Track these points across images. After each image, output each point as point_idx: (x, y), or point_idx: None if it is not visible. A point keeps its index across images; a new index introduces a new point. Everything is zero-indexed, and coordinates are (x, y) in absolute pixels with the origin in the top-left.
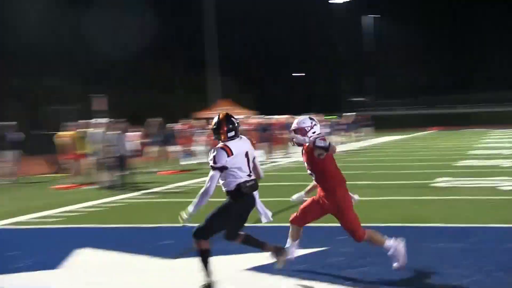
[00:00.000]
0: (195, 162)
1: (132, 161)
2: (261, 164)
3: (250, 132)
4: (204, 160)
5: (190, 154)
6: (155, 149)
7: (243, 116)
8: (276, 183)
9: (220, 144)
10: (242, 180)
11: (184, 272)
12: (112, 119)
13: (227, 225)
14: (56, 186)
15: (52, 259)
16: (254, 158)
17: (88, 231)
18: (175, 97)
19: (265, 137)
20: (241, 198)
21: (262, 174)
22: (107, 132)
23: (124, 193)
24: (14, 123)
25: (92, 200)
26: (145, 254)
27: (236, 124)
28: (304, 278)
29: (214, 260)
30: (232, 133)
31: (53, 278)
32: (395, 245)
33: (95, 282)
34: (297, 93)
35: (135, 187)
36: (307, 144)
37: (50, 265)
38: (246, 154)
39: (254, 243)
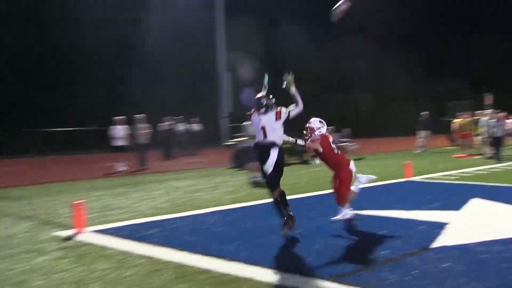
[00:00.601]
0: None
1: (507, 140)
2: None
3: None
4: None
5: None
6: None
7: None
8: None
9: (249, 113)
10: (258, 139)
11: None
12: (494, 110)
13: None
14: (455, 155)
15: (454, 203)
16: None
17: (476, 187)
18: None
19: None
20: (257, 149)
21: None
22: (490, 119)
23: (501, 163)
24: (427, 112)
25: (479, 166)
26: None
27: (265, 102)
28: None
29: None
30: (263, 110)
31: (455, 216)
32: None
33: (484, 224)
34: None
35: (509, 158)
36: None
37: (453, 207)
38: (263, 128)
39: (283, 201)
